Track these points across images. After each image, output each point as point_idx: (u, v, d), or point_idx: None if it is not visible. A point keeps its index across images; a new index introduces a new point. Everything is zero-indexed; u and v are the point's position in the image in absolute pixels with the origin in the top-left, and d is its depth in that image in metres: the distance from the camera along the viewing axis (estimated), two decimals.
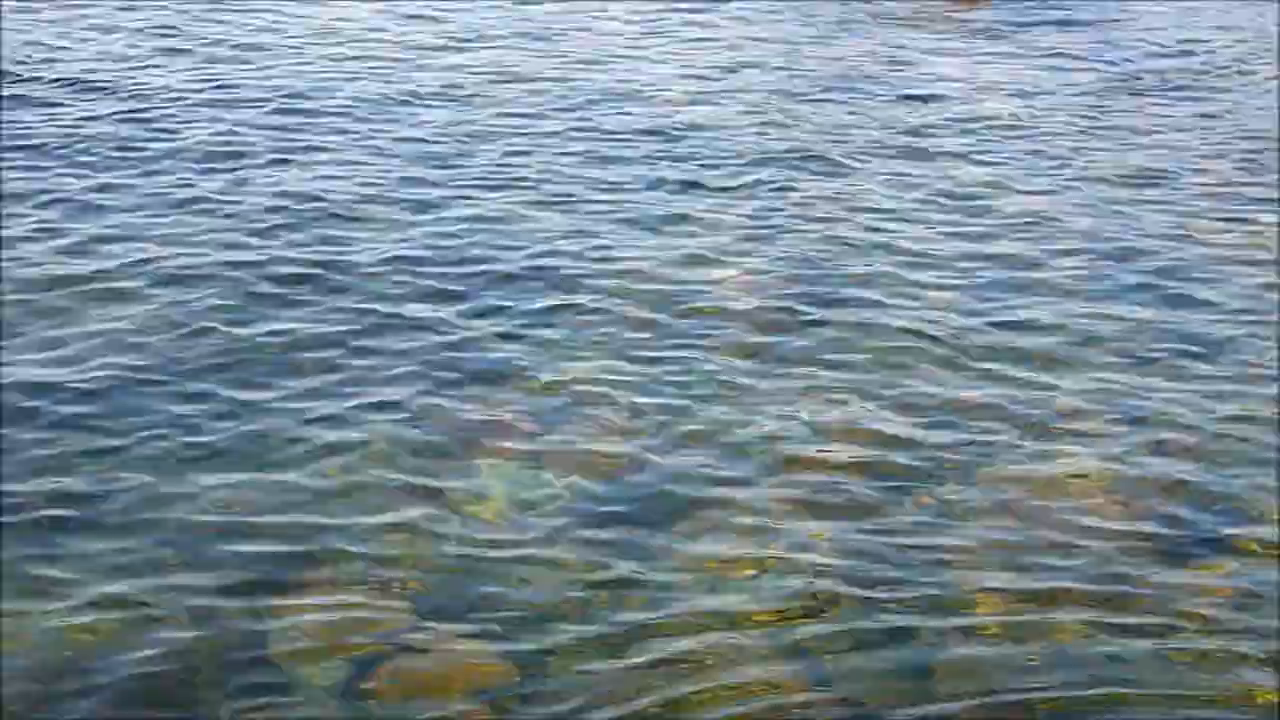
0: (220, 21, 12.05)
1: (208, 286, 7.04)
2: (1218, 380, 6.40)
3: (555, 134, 9.52)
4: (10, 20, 11.81)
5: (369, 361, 6.34)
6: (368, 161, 8.92)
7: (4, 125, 9.33)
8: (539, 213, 8.15)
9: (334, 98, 10.13)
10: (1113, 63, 11.54)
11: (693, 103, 10.28)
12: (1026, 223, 8.21)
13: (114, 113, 9.70)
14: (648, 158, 9.10)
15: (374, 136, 9.42)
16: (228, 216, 7.97)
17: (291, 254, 7.47)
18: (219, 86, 10.34)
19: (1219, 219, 8.36)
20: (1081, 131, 9.91)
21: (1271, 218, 8.39)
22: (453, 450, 5.67)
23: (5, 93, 9.95)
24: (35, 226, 7.71)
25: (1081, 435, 5.90)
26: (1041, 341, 6.74)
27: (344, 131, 9.48)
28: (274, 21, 12.16)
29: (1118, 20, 12.83)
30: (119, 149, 9.01)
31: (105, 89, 10.17)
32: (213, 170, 8.72)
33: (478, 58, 11.36)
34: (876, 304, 7.08)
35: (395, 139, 9.38)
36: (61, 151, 8.93)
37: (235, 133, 9.40)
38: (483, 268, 7.37)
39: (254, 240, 7.64)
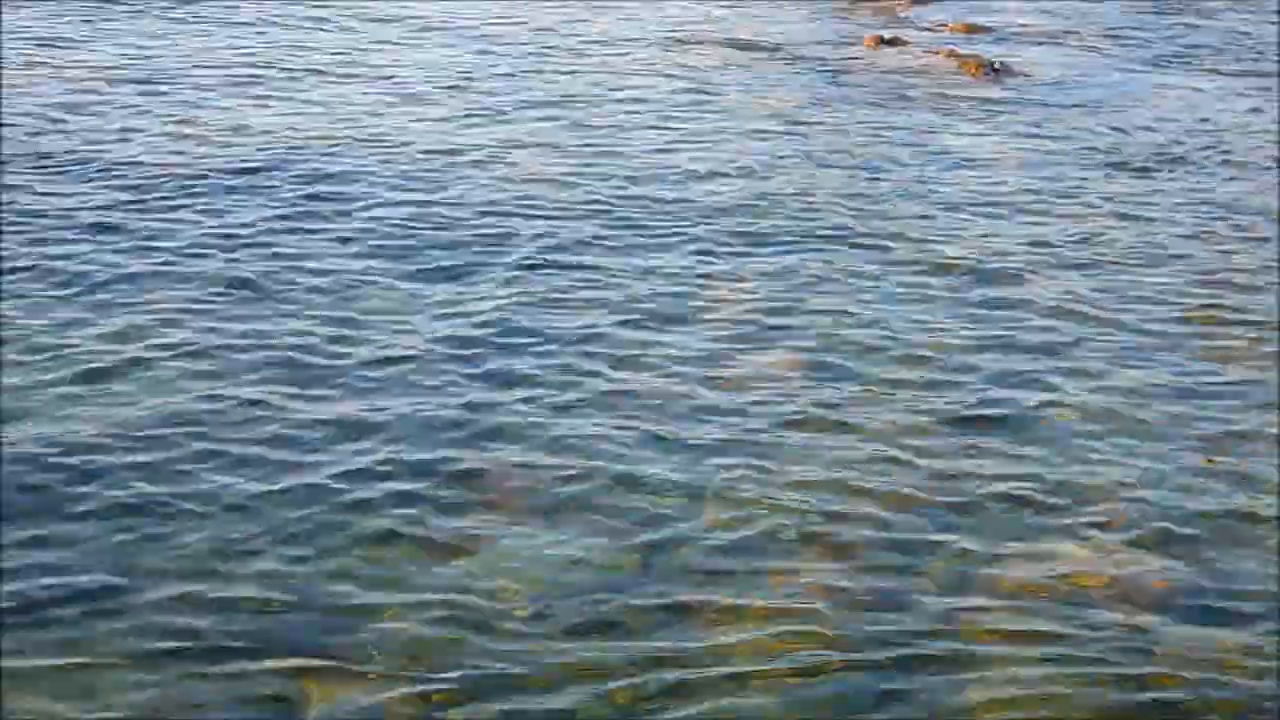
0: (232, 105, 12.11)
1: (235, 365, 7.25)
2: (1218, 475, 6.54)
3: (574, 207, 9.73)
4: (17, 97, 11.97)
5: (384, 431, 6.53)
6: (387, 241, 9.08)
7: (19, 202, 9.51)
8: (555, 285, 8.38)
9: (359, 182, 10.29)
10: (1121, 141, 11.64)
11: (709, 179, 10.47)
12: (1043, 305, 8.36)
13: (125, 189, 9.85)
14: (662, 236, 9.28)
15: (400, 216, 9.57)
16: (262, 299, 8.17)
17: (317, 332, 7.68)
18: (238, 169, 10.43)
19: (1222, 305, 8.50)
20: (1090, 210, 10.06)
21: (1272, 302, 8.54)
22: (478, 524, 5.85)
23: (18, 170, 10.09)
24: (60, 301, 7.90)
25: (1087, 522, 6.05)
26: (1048, 417, 6.91)
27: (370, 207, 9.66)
28: (291, 106, 12.24)
29: (1128, 103, 12.89)
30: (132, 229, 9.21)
31: (127, 169, 10.28)
32: (244, 249, 8.92)
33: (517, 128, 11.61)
34: (897, 382, 7.28)
35: (419, 217, 9.57)
36: (71, 228, 9.11)
37: (256, 212, 9.58)
38: (511, 341, 7.59)
39: (280, 320, 7.84)
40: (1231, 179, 10.93)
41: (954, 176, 10.75)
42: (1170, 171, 10.96)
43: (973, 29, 15.69)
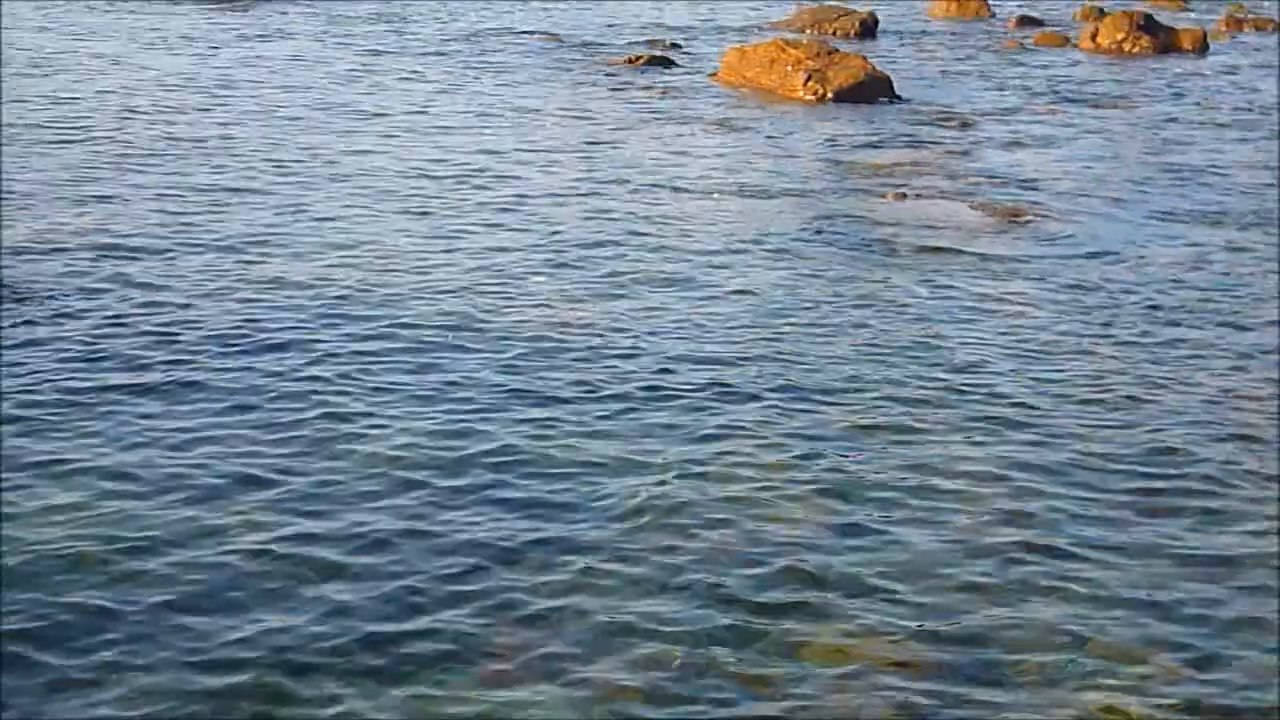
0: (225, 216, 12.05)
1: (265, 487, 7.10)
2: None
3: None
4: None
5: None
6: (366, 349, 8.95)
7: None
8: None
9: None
10: (1129, 292, 11.45)
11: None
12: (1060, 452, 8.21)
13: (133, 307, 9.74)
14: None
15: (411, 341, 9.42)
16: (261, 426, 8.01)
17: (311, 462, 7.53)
18: (242, 279, 10.38)
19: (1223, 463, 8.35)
20: (1101, 355, 9.94)
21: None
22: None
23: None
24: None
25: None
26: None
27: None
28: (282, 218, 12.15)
29: (1133, 253, 12.67)
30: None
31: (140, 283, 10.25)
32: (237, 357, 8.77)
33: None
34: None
35: (420, 326, 9.43)
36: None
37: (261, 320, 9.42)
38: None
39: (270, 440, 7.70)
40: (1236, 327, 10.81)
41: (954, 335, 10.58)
42: (1177, 320, 10.83)
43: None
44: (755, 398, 8.78)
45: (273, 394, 8.36)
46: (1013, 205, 13.79)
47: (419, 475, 7.43)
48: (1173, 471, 8.02)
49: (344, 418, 8.07)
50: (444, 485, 7.35)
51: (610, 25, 26.13)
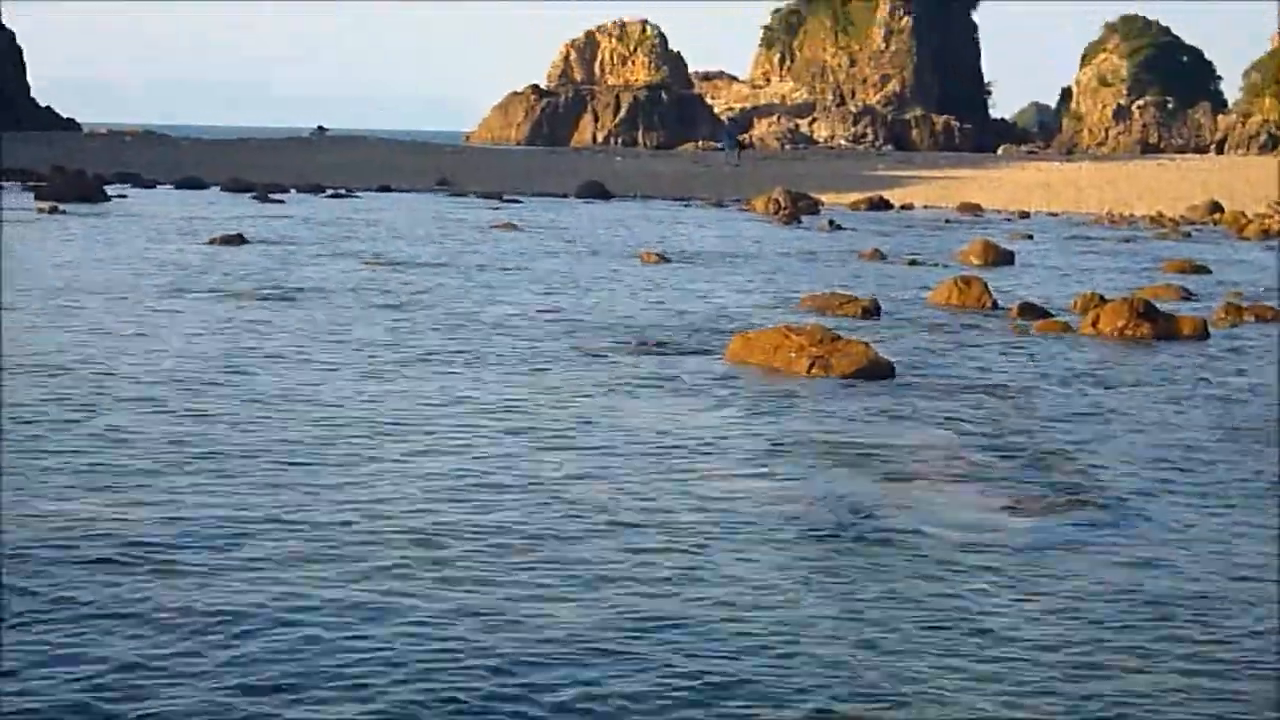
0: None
1: None
2: None
3: None
4: None
5: None
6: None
7: None
8: None
9: None
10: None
11: None
12: None
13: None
14: None
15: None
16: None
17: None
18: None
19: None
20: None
21: None
22: None
23: None
24: None
25: None
26: None
27: None
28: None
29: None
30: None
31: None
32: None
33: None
34: None
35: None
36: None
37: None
38: None
39: None
40: None
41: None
42: None
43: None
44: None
45: None
46: (1040, 494, 13.55)
47: None
48: None
49: None
50: None
51: (616, 310, 26.45)
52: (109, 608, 9.42)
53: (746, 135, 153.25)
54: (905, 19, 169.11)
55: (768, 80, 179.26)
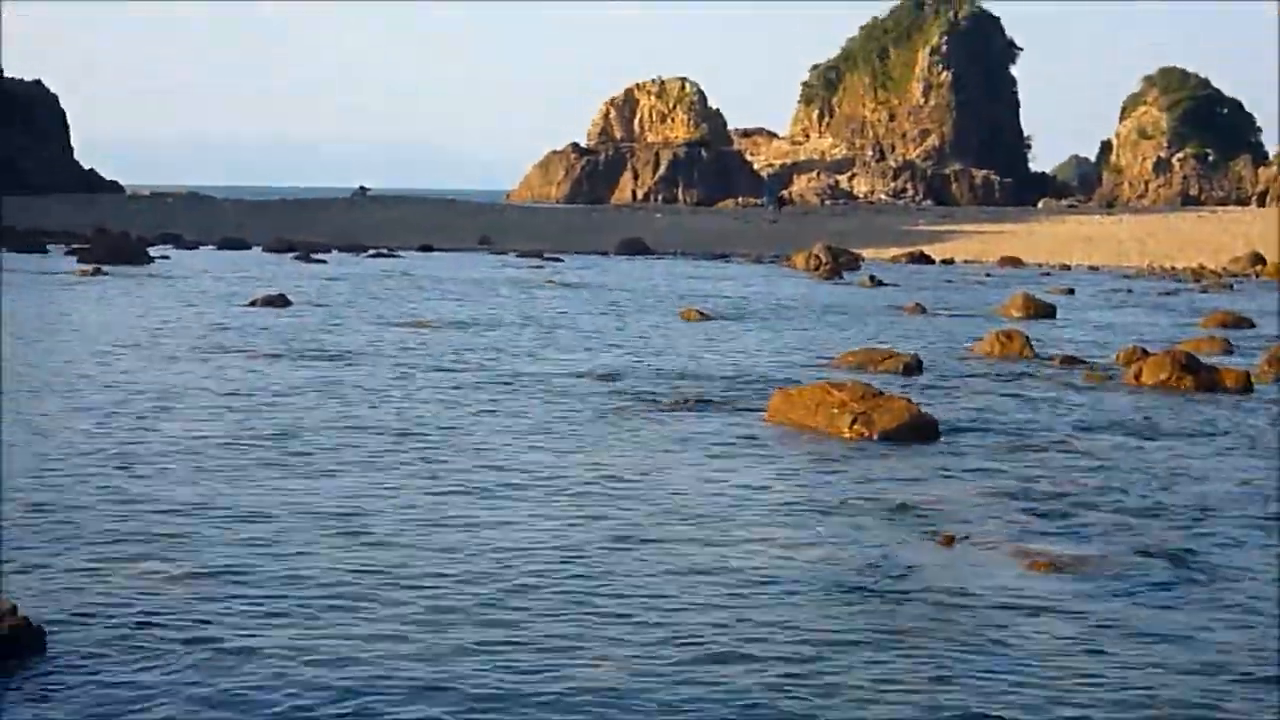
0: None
1: None
2: None
3: None
4: None
5: None
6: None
7: None
8: None
9: None
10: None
11: None
12: None
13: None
14: None
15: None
16: None
17: None
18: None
19: None
20: None
21: None
22: None
23: None
24: None
25: None
26: None
27: None
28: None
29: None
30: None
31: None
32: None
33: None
34: None
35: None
36: None
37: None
38: None
39: None
40: None
41: None
42: None
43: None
44: None
45: None
46: (1061, 553, 13.42)
47: None
48: None
49: None
50: None
51: (657, 369, 26.45)
52: None
53: (786, 191, 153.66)
54: (944, 73, 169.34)
55: (807, 136, 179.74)
